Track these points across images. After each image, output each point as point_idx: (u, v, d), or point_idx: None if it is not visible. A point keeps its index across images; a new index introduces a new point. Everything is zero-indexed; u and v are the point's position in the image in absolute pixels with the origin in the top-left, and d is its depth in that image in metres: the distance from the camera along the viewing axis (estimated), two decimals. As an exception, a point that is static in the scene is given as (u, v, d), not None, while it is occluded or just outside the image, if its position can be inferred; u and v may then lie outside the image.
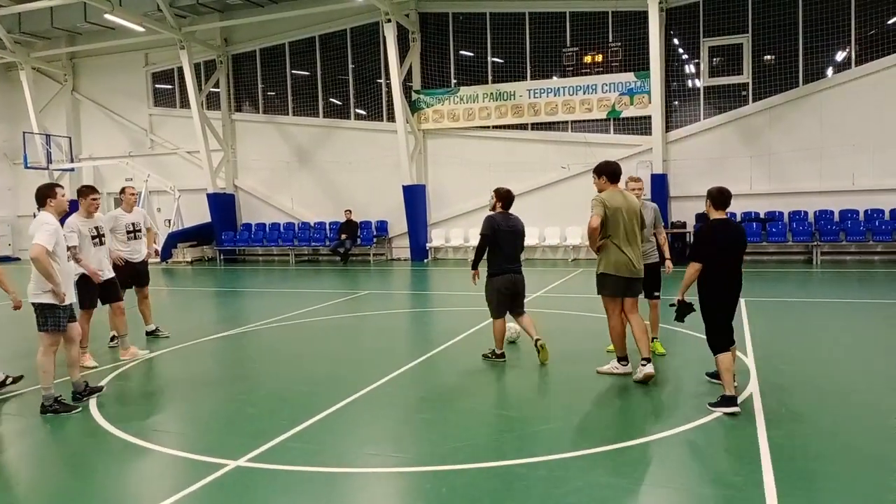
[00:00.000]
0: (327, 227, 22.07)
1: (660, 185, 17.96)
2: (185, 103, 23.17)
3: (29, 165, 23.62)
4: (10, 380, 6.98)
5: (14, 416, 6.18)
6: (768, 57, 17.63)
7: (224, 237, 22.75)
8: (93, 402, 6.32)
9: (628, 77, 18.56)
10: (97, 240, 7.85)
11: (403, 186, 19.99)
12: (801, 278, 14.74)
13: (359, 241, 20.96)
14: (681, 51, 18.47)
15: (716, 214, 5.73)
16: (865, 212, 16.96)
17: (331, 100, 22.25)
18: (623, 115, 18.76)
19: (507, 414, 5.93)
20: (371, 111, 21.60)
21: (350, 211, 21.04)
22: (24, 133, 23.84)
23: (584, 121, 19.25)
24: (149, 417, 6.04)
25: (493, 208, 7.46)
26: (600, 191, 6.58)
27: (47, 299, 6.03)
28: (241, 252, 23.48)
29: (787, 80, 17.50)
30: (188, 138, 23.09)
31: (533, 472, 4.50)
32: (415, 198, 20.22)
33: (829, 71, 17.21)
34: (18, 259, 25.88)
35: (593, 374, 6.80)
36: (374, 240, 21.09)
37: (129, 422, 5.79)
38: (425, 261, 20.46)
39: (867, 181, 16.90)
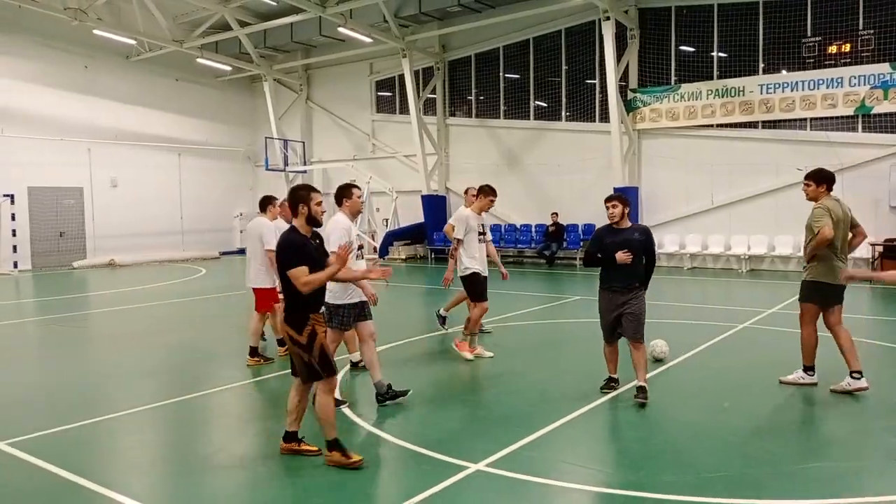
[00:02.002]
0: (533, 229, 21.99)
1: (918, 190, 15.62)
2: (403, 109, 24.32)
3: (269, 167, 26.21)
4: None
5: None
6: None
7: (435, 237, 23.55)
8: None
9: (882, 68, 16.33)
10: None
11: (615, 188, 19.30)
12: None
13: (565, 244, 20.63)
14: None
15: None
16: None
17: (539, 102, 22.13)
18: (874, 110, 16.55)
19: (765, 446, 5.33)
20: (582, 112, 21.15)
21: (556, 214, 20.77)
22: (265, 138, 26.50)
23: (825, 118, 17.28)
24: (398, 415, 6.24)
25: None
26: (813, 198, 6.56)
27: (332, 300, 6.17)
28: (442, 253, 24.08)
29: None
30: (405, 142, 24.21)
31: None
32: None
33: None
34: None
35: (871, 406, 5.94)
36: (581, 244, 20.62)
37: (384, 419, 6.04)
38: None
39: None
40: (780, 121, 17.90)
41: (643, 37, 19.81)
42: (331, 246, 5.87)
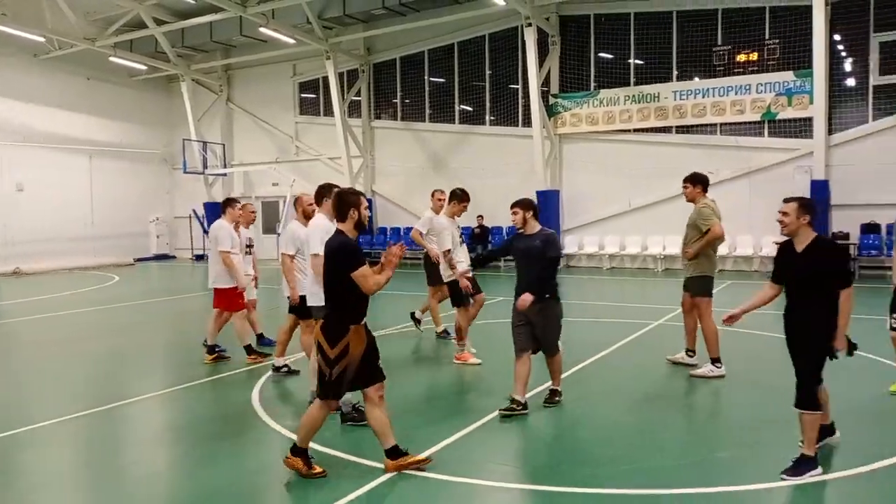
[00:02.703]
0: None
1: (821, 191, 16.55)
2: (328, 111, 24.07)
3: (187, 170, 25.40)
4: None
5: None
6: None
7: (361, 240, 23.31)
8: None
9: (786, 76, 17.27)
10: None
11: (537, 192, 19.65)
12: None
13: (490, 246, 20.85)
14: (845, 47, 16.94)
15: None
16: None
17: (464, 106, 22.34)
18: (779, 116, 17.47)
19: (677, 437, 5.52)
20: (506, 117, 21.47)
21: (482, 217, 20.98)
22: (183, 140, 25.68)
23: (734, 123, 18.12)
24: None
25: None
26: (692, 200, 7.21)
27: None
28: (377, 255, 23.97)
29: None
30: (330, 145, 23.95)
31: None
32: (549, 203, 19.82)
33: None
34: (174, 257, 27.90)
35: (772, 397, 6.23)
36: (508, 246, 20.89)
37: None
38: (558, 268, 19.99)
39: None
40: (692, 126, 18.66)
41: (564, 43, 20.27)
42: (311, 248, 5.78)
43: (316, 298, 5.85)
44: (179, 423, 6.23)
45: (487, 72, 21.77)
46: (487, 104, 21.88)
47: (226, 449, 5.36)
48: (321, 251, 5.24)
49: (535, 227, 6.09)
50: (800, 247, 4.59)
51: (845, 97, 16.99)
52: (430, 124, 22.95)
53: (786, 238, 4.72)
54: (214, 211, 26.47)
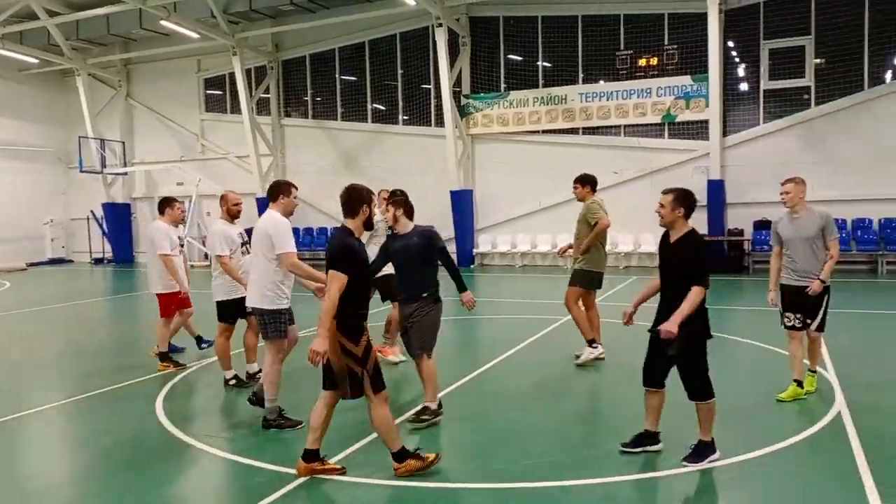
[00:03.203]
0: (374, 232, 22.00)
1: (717, 191, 17.46)
2: (235, 109, 23.41)
3: (84, 169, 24.09)
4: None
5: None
6: (818, 61, 16.98)
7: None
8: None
9: (684, 80, 18.09)
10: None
11: (451, 192, 19.81)
12: (867, 288, 14.11)
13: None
14: (738, 53, 17.91)
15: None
16: (936, 220, 16.21)
17: (377, 105, 22.24)
18: (678, 119, 18.29)
19: (584, 430, 5.68)
20: (419, 116, 21.50)
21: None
22: (79, 138, 24.33)
23: (637, 125, 18.83)
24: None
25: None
26: (582, 199, 7.74)
27: (269, 304, 5.68)
28: (289, 256, 23.50)
29: (851, 84, 16.84)
30: (238, 143, 23.30)
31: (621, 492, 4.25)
32: (462, 203, 20.03)
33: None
34: (72, 261, 26.44)
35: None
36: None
37: (212, 434, 5.70)
38: (471, 266, 20.23)
39: (939, 188, 16.14)
40: (598, 127, 19.25)
41: (474, 44, 20.50)
42: (283, 246, 5.47)
43: (259, 299, 5.70)
44: (77, 437, 5.91)
45: (399, 71, 21.73)
46: (400, 103, 21.86)
47: (126, 460, 5.12)
48: (293, 248, 5.53)
49: (408, 225, 5.75)
50: (673, 238, 4.68)
51: (738, 101, 17.96)
52: (342, 123, 22.70)
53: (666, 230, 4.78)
54: (114, 212, 25.31)
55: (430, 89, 21.22)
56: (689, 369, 4.65)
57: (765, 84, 17.67)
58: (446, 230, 20.73)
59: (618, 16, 18.89)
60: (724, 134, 17.78)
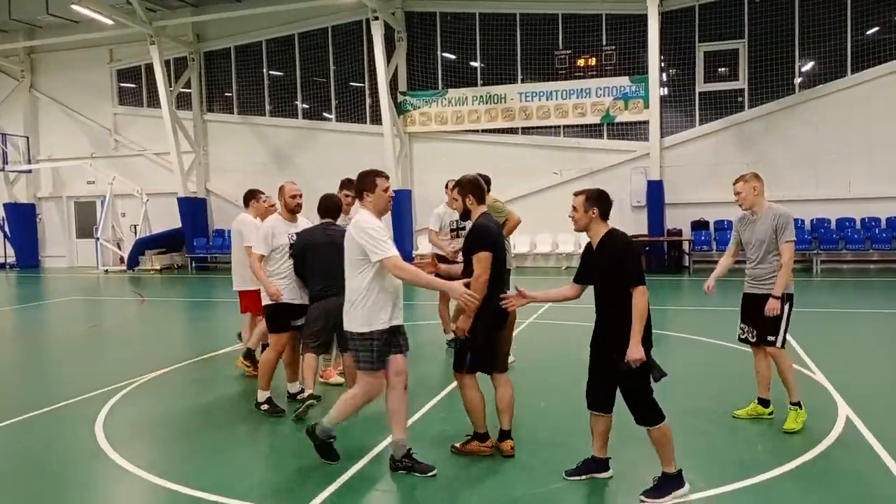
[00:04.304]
0: (306, 233, 21.10)
1: (656, 191, 17.60)
2: (152, 102, 21.97)
3: (-18, 166, 22.05)
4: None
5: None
6: (751, 64, 17.40)
7: (196, 244, 21.58)
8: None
9: (623, 81, 18.13)
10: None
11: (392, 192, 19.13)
12: (806, 287, 14.46)
13: (342, 248, 20.05)
14: (675, 55, 18.09)
15: None
16: (862, 220, 16.84)
17: (309, 101, 21.34)
18: (617, 120, 18.32)
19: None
20: (353, 113, 20.73)
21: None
22: (-24, 132, 22.25)
23: (577, 125, 18.75)
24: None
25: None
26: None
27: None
28: (214, 259, 22.32)
29: (782, 87, 17.30)
30: (156, 139, 21.86)
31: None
32: (400, 203, 19.35)
33: (825, 78, 17.05)
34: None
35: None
36: (358, 247, 20.21)
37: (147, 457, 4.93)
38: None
39: (862, 189, 16.78)
40: (537, 127, 19.07)
41: (411, 40, 19.93)
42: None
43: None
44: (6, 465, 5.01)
45: (332, 66, 20.89)
46: (333, 100, 21.02)
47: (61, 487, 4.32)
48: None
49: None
50: (595, 243, 4.15)
51: (675, 102, 18.14)
52: (270, 119, 21.65)
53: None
54: (17, 213, 23.28)
55: (363, 86, 20.50)
56: (633, 388, 4.03)
57: (700, 86, 17.94)
58: (385, 230, 20.11)
59: (556, 15, 18.75)
60: (662, 135, 17.92)
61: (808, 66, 17.29)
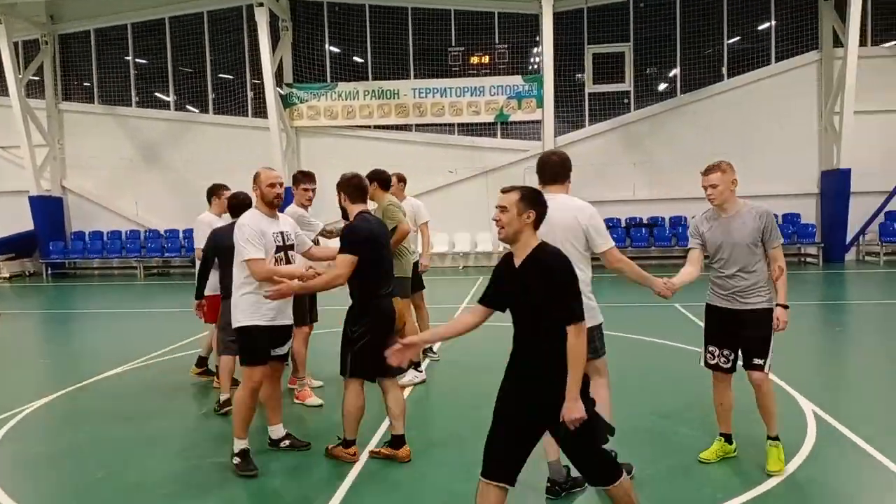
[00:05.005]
0: (181, 235, 19.48)
1: (551, 190, 17.74)
2: (-2, 89, 19.45)
3: None
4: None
5: None
6: (647, 70, 18.07)
7: (51, 248, 19.30)
8: None
9: (516, 80, 18.16)
10: None
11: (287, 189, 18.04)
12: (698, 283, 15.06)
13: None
14: (565, 56, 18.37)
15: None
16: (738, 217, 17.86)
17: (182, 92, 19.71)
18: (511, 119, 18.33)
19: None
20: (234, 106, 19.38)
21: (211, 217, 18.65)
22: None
23: (471, 124, 18.58)
24: None
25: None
26: (372, 198, 6.11)
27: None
28: (73, 265, 20.08)
29: (666, 90, 18.04)
30: (3, 131, 19.32)
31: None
32: (290, 201, 18.30)
33: (704, 82, 17.97)
34: None
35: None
36: (242, 249, 18.89)
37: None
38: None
39: (739, 188, 17.72)
40: (432, 124, 18.71)
41: (296, 30, 18.93)
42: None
43: None
44: None
45: (208, 55, 19.41)
46: (210, 91, 19.54)
47: None
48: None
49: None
50: (518, 259, 3.13)
51: (565, 103, 18.42)
52: (137, 109, 19.80)
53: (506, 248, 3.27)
54: None
55: (244, 76, 19.22)
56: (582, 445, 3.09)
57: (589, 87, 18.33)
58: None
59: (448, 10, 18.48)
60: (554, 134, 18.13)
61: (688, 69, 18.13)
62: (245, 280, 4.44)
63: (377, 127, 18.82)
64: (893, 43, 17.38)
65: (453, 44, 18.54)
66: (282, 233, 4.57)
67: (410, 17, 18.63)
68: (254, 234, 4.37)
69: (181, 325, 9.86)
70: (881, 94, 16.83)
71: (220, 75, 19.48)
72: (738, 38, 17.82)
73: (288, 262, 4.60)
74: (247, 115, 19.19)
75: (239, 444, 4.53)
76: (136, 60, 19.80)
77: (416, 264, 7.40)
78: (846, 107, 15.89)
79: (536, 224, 3.13)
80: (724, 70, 17.83)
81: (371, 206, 5.21)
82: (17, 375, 7.67)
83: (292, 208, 6.08)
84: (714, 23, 17.68)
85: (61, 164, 20.03)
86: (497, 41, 18.37)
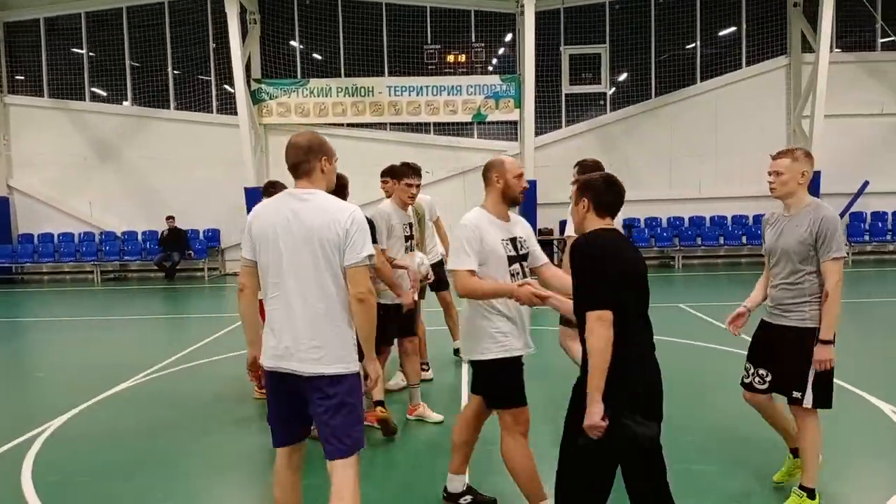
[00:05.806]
0: (140, 236, 18.45)
1: (530, 191, 17.43)
2: (-67, 79, 18.00)
3: None
4: None
5: None
6: (623, 75, 18.15)
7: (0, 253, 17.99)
8: None
9: (494, 80, 17.94)
10: None
11: (245, 189, 17.29)
12: (669, 282, 15.17)
13: (191, 254, 17.73)
14: (542, 56, 18.24)
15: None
16: (712, 218, 18.12)
17: (140, 86, 18.68)
18: (488, 119, 18.09)
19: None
20: (197, 101, 18.48)
21: (172, 218, 17.70)
22: None
23: (448, 123, 18.25)
24: None
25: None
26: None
27: None
28: (21, 270, 18.75)
29: (641, 92, 18.15)
30: (-60, 124, 17.94)
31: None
32: (257, 202, 17.56)
33: (678, 84, 18.16)
34: None
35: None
36: (208, 251, 18.02)
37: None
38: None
39: (711, 189, 18.07)
40: (408, 124, 18.30)
41: (265, 24, 18.20)
42: None
43: None
44: None
45: (169, 48, 18.45)
46: (171, 86, 18.57)
47: None
48: None
49: None
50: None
51: (542, 103, 18.28)
52: (91, 104, 18.65)
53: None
54: None
55: (208, 70, 18.36)
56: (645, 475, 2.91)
57: (566, 88, 18.26)
58: (234, 234, 18.18)
59: (424, 7, 18.11)
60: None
61: (663, 71, 18.29)
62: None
63: (351, 125, 18.28)
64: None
65: (429, 41, 18.17)
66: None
67: (385, 13, 18.16)
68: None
69: (164, 334, 9.18)
70: (848, 98, 17.35)
71: (183, 69, 18.55)
72: (710, 41, 18.09)
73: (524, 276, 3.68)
74: (212, 112, 18.34)
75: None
76: (90, 53, 18.65)
77: (440, 262, 7.12)
78: (817, 111, 16.29)
79: (599, 213, 3.07)
80: (698, 73, 18.06)
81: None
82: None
83: (389, 205, 5.56)
84: (687, 26, 17.89)
85: (7, 161, 18.68)
86: (473, 40, 18.11)
